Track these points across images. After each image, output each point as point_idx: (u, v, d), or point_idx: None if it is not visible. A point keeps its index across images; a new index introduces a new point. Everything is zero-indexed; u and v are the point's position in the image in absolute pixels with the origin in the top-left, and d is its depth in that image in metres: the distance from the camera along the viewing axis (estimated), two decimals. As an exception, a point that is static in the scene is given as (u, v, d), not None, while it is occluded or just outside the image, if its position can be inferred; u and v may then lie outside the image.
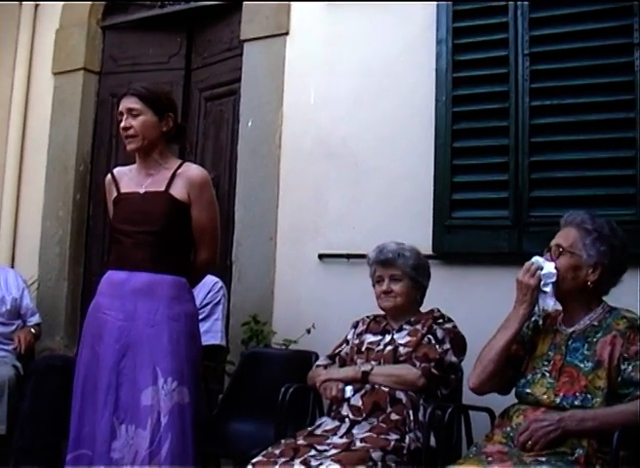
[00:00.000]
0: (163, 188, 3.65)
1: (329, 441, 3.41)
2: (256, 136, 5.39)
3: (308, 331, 4.68)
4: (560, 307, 3.16)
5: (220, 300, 4.81)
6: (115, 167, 4.01)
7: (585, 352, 3.00)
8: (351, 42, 5.11)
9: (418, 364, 3.61)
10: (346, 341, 3.99)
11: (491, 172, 4.46)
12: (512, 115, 4.39)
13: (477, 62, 4.57)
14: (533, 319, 3.27)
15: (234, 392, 4.58)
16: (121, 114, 3.71)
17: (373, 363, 3.70)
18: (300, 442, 3.41)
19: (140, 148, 3.69)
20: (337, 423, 3.58)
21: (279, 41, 5.41)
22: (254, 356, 4.69)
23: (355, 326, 4.02)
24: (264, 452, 3.36)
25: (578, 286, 3.09)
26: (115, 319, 3.57)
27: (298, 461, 3.20)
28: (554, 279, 3.06)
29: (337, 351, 3.99)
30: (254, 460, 3.31)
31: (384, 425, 3.47)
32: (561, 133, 4.28)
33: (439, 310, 3.88)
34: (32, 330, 5.45)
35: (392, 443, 3.34)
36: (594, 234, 3.08)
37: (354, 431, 3.48)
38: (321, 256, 5.00)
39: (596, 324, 3.07)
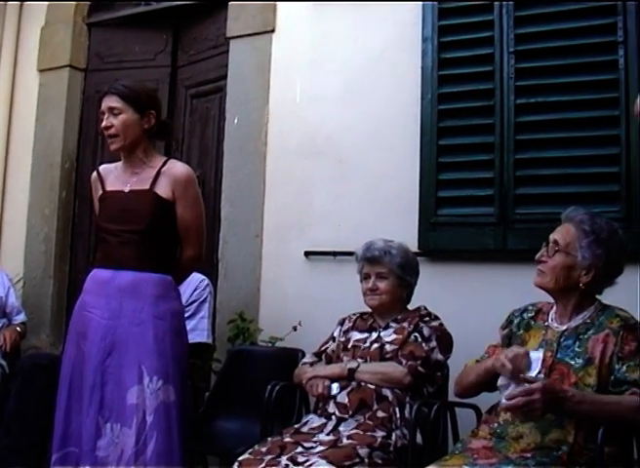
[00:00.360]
0: (148, 187, 3.64)
1: (315, 438, 3.41)
2: (242, 134, 5.39)
3: (295, 329, 4.69)
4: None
5: (206, 298, 4.81)
6: (101, 164, 4.00)
7: (577, 349, 3.00)
8: (337, 40, 5.12)
9: (404, 361, 3.62)
10: (333, 339, 3.99)
11: (476, 169, 4.48)
12: (497, 113, 4.41)
13: (462, 60, 4.59)
14: (524, 317, 3.27)
15: (221, 390, 4.57)
16: (102, 113, 3.70)
17: (359, 360, 3.70)
18: (287, 439, 3.41)
19: (122, 148, 3.69)
20: (323, 420, 3.59)
21: (265, 39, 5.41)
22: (240, 354, 4.68)
23: (341, 323, 4.02)
24: (251, 450, 3.36)
25: (570, 285, 3.08)
26: (100, 317, 3.56)
27: (284, 459, 3.20)
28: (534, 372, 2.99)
29: (323, 348, 4.00)
30: (240, 458, 3.31)
31: (371, 422, 3.48)
32: (546, 130, 4.30)
33: (426, 308, 3.89)
34: (18, 328, 5.43)
35: (379, 440, 3.35)
36: (592, 236, 3.05)
37: (341, 428, 3.49)
38: (307, 254, 5.00)
39: (589, 321, 3.06)
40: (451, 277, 4.45)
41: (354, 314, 4.01)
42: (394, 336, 3.74)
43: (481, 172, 4.45)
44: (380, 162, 4.82)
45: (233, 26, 5.56)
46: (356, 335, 3.86)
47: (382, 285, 3.82)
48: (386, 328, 3.81)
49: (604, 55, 4.19)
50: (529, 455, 2.82)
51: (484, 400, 3.29)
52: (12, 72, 6.63)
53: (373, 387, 3.58)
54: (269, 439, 3.48)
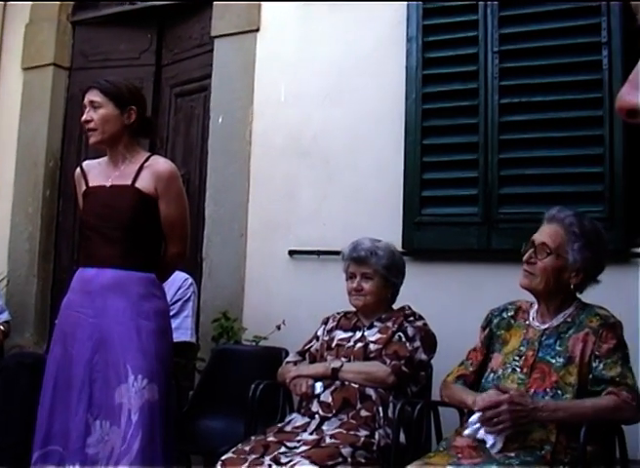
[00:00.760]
0: (129, 182, 3.62)
1: (299, 437, 3.41)
2: (226, 133, 5.39)
3: (278, 328, 4.69)
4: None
5: (190, 297, 4.80)
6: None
7: (557, 348, 3.02)
8: (322, 39, 5.13)
9: (388, 361, 3.62)
10: (316, 338, 3.99)
11: (460, 169, 4.49)
12: (482, 113, 4.42)
13: (447, 60, 4.60)
14: (504, 317, 3.28)
15: (204, 389, 4.58)
16: (84, 107, 3.71)
17: (343, 359, 3.70)
18: (270, 438, 3.41)
19: (100, 141, 3.68)
20: (307, 419, 3.59)
21: (250, 38, 5.41)
22: (224, 353, 4.69)
23: (325, 322, 4.02)
24: (234, 449, 3.36)
25: (558, 287, 3.10)
26: (86, 316, 3.55)
27: (268, 458, 3.20)
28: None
29: (307, 347, 4.00)
30: (224, 457, 3.31)
31: (354, 421, 3.48)
32: (530, 130, 4.32)
33: (410, 308, 3.88)
34: (1, 327, 5.40)
35: (362, 439, 3.35)
36: (582, 240, 3.07)
37: (324, 427, 3.49)
38: (291, 253, 5.00)
39: (569, 320, 3.08)
40: (435, 276, 4.46)
41: (338, 313, 4.01)
42: (378, 336, 3.74)
43: (465, 171, 4.46)
44: (365, 161, 4.83)
45: (218, 25, 5.56)
46: (340, 334, 3.86)
47: (367, 285, 3.82)
48: (370, 327, 3.81)
49: (588, 55, 4.21)
50: (512, 455, 2.83)
51: (468, 399, 3.29)
52: (-5, 70, 6.62)
53: (356, 386, 3.58)
54: (253, 438, 3.48)
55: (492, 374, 3.15)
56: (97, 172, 3.77)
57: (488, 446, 2.87)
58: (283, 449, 3.27)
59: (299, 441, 3.36)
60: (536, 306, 3.21)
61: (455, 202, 4.50)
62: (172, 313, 4.37)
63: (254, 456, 3.23)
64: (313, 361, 3.90)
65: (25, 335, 6.01)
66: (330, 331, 3.92)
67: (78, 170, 3.86)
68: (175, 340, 3.95)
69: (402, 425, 3.42)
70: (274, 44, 5.33)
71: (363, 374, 3.61)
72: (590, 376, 2.93)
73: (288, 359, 4.04)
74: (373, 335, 3.76)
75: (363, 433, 3.40)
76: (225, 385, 4.46)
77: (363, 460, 3.26)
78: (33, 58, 6.44)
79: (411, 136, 4.61)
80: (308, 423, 3.55)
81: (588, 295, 3.18)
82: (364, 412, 3.52)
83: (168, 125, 6.01)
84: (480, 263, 4.38)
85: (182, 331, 4.66)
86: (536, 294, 3.18)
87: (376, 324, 3.81)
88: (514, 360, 3.11)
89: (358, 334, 3.81)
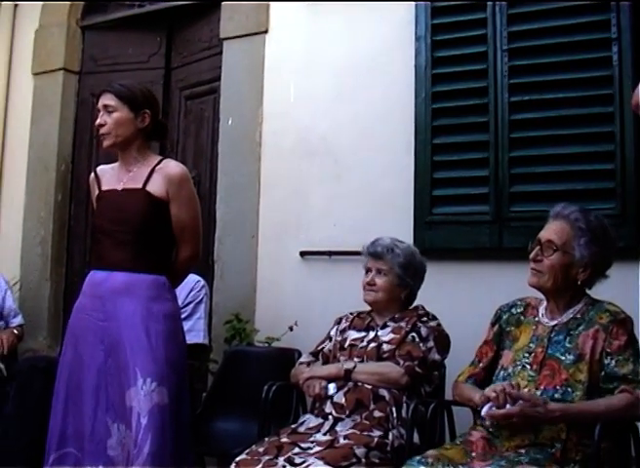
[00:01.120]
0: (140, 185, 3.62)
1: (312, 438, 3.41)
2: (236, 135, 5.39)
3: (291, 329, 4.69)
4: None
5: (202, 299, 4.80)
6: (96, 166, 3.98)
7: (567, 345, 3.01)
8: (331, 39, 5.12)
9: (401, 362, 3.61)
10: (329, 338, 3.99)
11: (471, 167, 4.48)
12: (492, 111, 4.41)
13: (456, 59, 4.59)
14: (513, 313, 3.28)
15: (217, 391, 4.58)
16: (98, 111, 3.71)
17: (356, 360, 3.70)
18: (284, 439, 3.41)
19: (114, 145, 3.68)
20: (320, 420, 3.58)
21: (258, 39, 5.41)
22: (236, 354, 4.69)
23: (338, 322, 4.01)
24: (248, 451, 3.36)
25: (567, 283, 3.09)
26: (97, 319, 3.56)
27: (281, 459, 3.19)
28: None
29: (319, 348, 3.99)
30: (237, 459, 3.30)
31: (368, 422, 3.48)
32: (540, 128, 4.30)
33: (423, 308, 3.88)
34: (15, 331, 5.43)
35: (376, 439, 3.35)
36: (589, 235, 3.06)
37: (337, 428, 3.48)
38: (303, 254, 5.00)
39: (579, 317, 3.07)
40: (446, 276, 4.44)
41: (351, 313, 4.01)
42: (392, 336, 3.74)
43: (476, 170, 4.46)
44: (375, 161, 4.82)
45: (227, 27, 5.56)
46: (353, 334, 3.86)
47: (380, 281, 3.83)
48: (384, 327, 3.81)
49: (598, 51, 4.19)
50: (523, 451, 2.83)
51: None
52: (6, 76, 6.65)
53: (370, 387, 3.58)
54: (266, 439, 3.48)
55: (502, 372, 3.14)
56: (109, 176, 3.78)
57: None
58: (297, 450, 3.26)
59: (312, 442, 3.36)
60: (545, 303, 3.21)
61: (465, 201, 4.49)
62: (184, 315, 4.38)
63: (267, 457, 3.23)
64: (326, 361, 3.89)
65: (39, 339, 6.03)
66: (343, 332, 3.92)
67: (92, 174, 3.88)
68: (187, 342, 3.95)
69: (416, 425, 3.41)
70: (283, 45, 5.33)
71: (376, 375, 3.60)
72: (602, 373, 2.92)
73: (301, 360, 4.04)
74: (386, 335, 3.76)
75: (377, 433, 3.39)
76: (238, 387, 4.46)
77: (377, 461, 3.26)
78: (43, 63, 6.46)
79: (421, 135, 4.61)
80: (322, 424, 3.54)
81: (599, 292, 3.17)
82: (377, 413, 3.52)
83: (178, 127, 6.02)
84: (492, 262, 4.37)
85: (195, 333, 4.66)
86: (544, 292, 3.17)
87: (389, 324, 3.81)
88: (524, 357, 3.10)
89: (371, 334, 3.80)
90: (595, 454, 2.77)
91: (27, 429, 4.44)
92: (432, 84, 4.62)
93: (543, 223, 3.22)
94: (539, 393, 2.95)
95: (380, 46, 4.90)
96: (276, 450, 3.28)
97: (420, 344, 3.67)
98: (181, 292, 4.43)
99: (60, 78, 6.37)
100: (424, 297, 3.94)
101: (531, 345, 3.11)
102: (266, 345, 4.76)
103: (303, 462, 3.14)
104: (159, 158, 3.77)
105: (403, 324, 3.76)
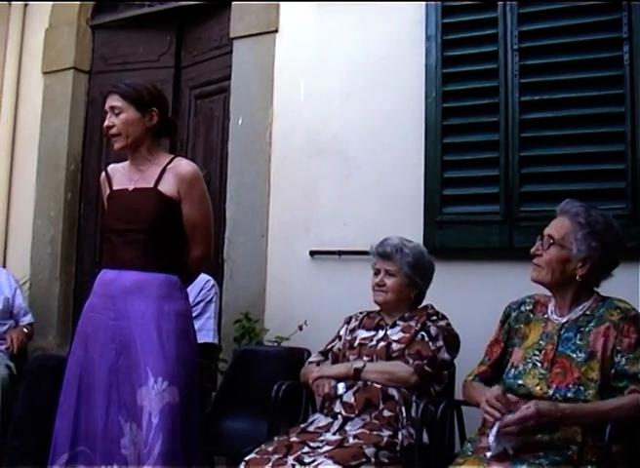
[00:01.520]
0: (152, 184, 3.61)
1: (322, 437, 3.41)
2: (246, 134, 5.39)
3: (300, 328, 4.69)
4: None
5: (212, 298, 4.80)
6: (107, 165, 3.97)
7: (578, 342, 3.00)
8: (341, 39, 5.12)
9: (411, 361, 3.61)
10: (339, 337, 3.99)
11: (481, 167, 4.48)
12: (502, 110, 4.40)
13: (466, 58, 4.58)
14: (522, 310, 3.27)
15: (227, 390, 4.59)
16: (106, 113, 3.70)
17: (365, 359, 3.70)
18: (294, 439, 3.41)
19: (125, 146, 3.67)
20: (329, 420, 3.58)
21: (269, 38, 5.41)
22: (246, 353, 4.69)
23: (348, 321, 4.02)
24: (258, 450, 3.36)
25: (566, 278, 3.08)
26: (108, 318, 3.55)
27: (291, 458, 3.19)
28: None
29: (329, 347, 3.99)
30: (247, 458, 3.30)
31: (377, 422, 3.48)
32: (551, 127, 4.30)
33: (433, 307, 3.88)
34: (25, 329, 5.46)
35: (385, 439, 3.34)
36: (587, 229, 3.04)
37: (347, 427, 3.48)
38: (312, 253, 5.00)
39: (588, 313, 3.06)
40: (456, 275, 4.43)
41: (361, 312, 4.01)
42: (401, 335, 3.73)
43: (486, 169, 4.45)
44: (385, 161, 4.82)
45: (237, 27, 5.56)
46: (363, 334, 3.86)
47: (390, 282, 3.83)
48: (393, 326, 3.81)
49: (609, 51, 4.18)
50: (541, 454, 2.80)
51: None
52: (16, 75, 6.66)
53: (379, 386, 3.58)
54: (276, 438, 3.49)
55: (513, 370, 3.12)
56: (120, 175, 3.76)
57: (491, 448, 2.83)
58: (306, 450, 3.26)
59: (322, 441, 3.36)
60: (553, 300, 3.19)
61: (476, 200, 4.48)
62: (194, 314, 4.37)
63: (277, 456, 3.23)
64: (336, 360, 3.90)
65: (48, 338, 6.04)
66: (352, 331, 3.92)
67: (103, 174, 3.87)
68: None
69: (425, 425, 3.40)
70: (293, 44, 5.33)
71: (386, 374, 3.60)
72: (613, 371, 2.91)
73: (310, 359, 4.04)
74: (395, 335, 3.75)
75: (386, 433, 3.39)
76: (248, 386, 4.47)
77: (386, 460, 3.25)
78: (53, 63, 6.48)
79: (431, 134, 4.60)
80: (331, 423, 3.54)
81: (611, 292, 3.15)
82: (387, 413, 3.51)
83: (188, 127, 6.02)
84: (502, 262, 4.36)
85: (205, 332, 4.66)
86: (547, 287, 3.17)
87: (398, 323, 3.81)
88: (534, 354, 3.09)
89: (381, 333, 3.80)
90: (607, 455, 2.75)
91: (36, 428, 4.44)
92: (442, 83, 4.61)
93: (553, 223, 3.22)
94: (551, 392, 2.94)
95: (391, 45, 4.89)
96: (285, 450, 3.28)
97: (430, 343, 3.67)
98: (191, 291, 4.41)
99: (71, 77, 6.38)
100: (434, 297, 3.94)
101: (541, 342, 3.09)
102: (276, 344, 4.76)
103: (313, 461, 3.14)
104: (170, 157, 3.75)
105: (412, 323, 3.76)
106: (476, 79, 4.53)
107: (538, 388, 2.98)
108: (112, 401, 3.48)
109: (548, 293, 3.21)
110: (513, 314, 3.28)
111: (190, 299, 4.06)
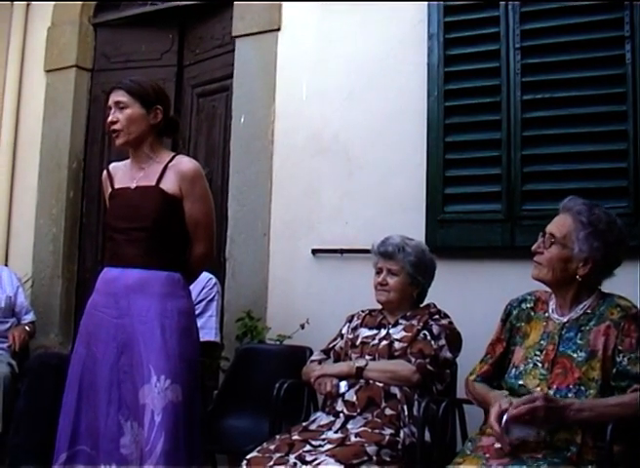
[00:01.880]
0: (154, 182, 3.61)
1: (324, 436, 3.42)
2: (248, 133, 5.39)
3: (302, 327, 4.69)
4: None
5: (214, 297, 4.80)
6: (109, 164, 3.97)
7: (579, 341, 2.99)
8: (343, 37, 5.12)
9: (413, 360, 3.61)
10: (341, 336, 3.99)
11: (483, 165, 4.47)
12: (504, 109, 4.40)
13: (468, 57, 4.58)
14: (523, 308, 3.26)
15: (229, 388, 4.58)
16: (110, 108, 3.69)
17: (367, 357, 3.70)
18: (295, 437, 3.42)
19: (127, 142, 3.66)
20: (331, 418, 3.59)
21: (271, 37, 5.41)
22: (248, 352, 4.69)
23: (350, 320, 4.01)
24: (259, 448, 3.37)
25: (567, 277, 3.06)
26: (110, 316, 3.55)
27: (293, 457, 3.20)
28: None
29: (331, 346, 4.00)
30: (249, 456, 3.31)
31: (379, 420, 3.48)
32: (553, 126, 4.29)
33: (435, 306, 3.88)
34: (27, 327, 5.46)
35: (387, 437, 3.35)
36: (589, 229, 3.02)
37: (349, 426, 3.48)
38: (314, 252, 5.00)
39: (589, 312, 3.04)
40: (458, 274, 4.44)
41: (363, 311, 4.01)
42: (403, 334, 3.74)
43: (488, 168, 4.45)
44: (387, 159, 4.81)
45: (239, 25, 5.56)
46: (365, 332, 3.86)
47: (392, 281, 3.83)
48: (395, 325, 3.81)
49: (611, 50, 4.18)
50: (540, 456, 2.79)
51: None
52: (19, 73, 6.66)
53: (381, 385, 3.58)
54: (278, 437, 3.49)
55: (514, 370, 3.12)
56: (122, 173, 3.76)
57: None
58: (308, 448, 3.27)
59: (323, 439, 3.36)
60: (554, 298, 3.18)
61: (478, 199, 4.48)
62: (196, 313, 4.37)
63: (279, 455, 3.24)
64: (338, 359, 3.90)
65: (50, 336, 6.05)
66: (354, 329, 3.92)
67: (105, 172, 3.86)
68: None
69: (427, 423, 3.41)
70: (295, 43, 5.33)
71: (388, 373, 3.60)
72: (614, 371, 2.90)
73: (312, 357, 4.05)
74: (398, 333, 3.76)
75: (388, 431, 3.39)
76: (250, 384, 4.47)
77: (388, 459, 3.25)
78: (56, 61, 6.48)
79: (433, 133, 4.60)
80: (333, 422, 3.55)
81: (612, 291, 3.13)
82: (389, 411, 3.52)
83: (190, 125, 6.02)
84: (504, 260, 4.36)
85: (207, 330, 4.66)
86: (548, 286, 3.16)
87: (401, 321, 3.81)
88: (535, 354, 3.07)
89: (383, 332, 3.80)
90: (608, 455, 2.74)
91: (38, 426, 4.45)
92: (445, 82, 4.61)
93: (556, 222, 3.21)
94: (551, 392, 2.92)
95: (393, 44, 4.89)
96: (287, 448, 3.29)
97: (432, 342, 3.67)
98: (194, 289, 4.40)
99: (73, 75, 6.38)
100: (436, 295, 3.94)
101: (542, 342, 3.08)
102: (278, 343, 4.76)
103: (314, 460, 3.14)
104: (172, 154, 3.75)
105: (415, 321, 3.77)
106: (478, 78, 4.53)
107: (538, 389, 2.96)
108: (113, 399, 3.48)
109: (549, 290, 3.20)
110: (514, 312, 3.26)
111: (192, 298, 4.06)
